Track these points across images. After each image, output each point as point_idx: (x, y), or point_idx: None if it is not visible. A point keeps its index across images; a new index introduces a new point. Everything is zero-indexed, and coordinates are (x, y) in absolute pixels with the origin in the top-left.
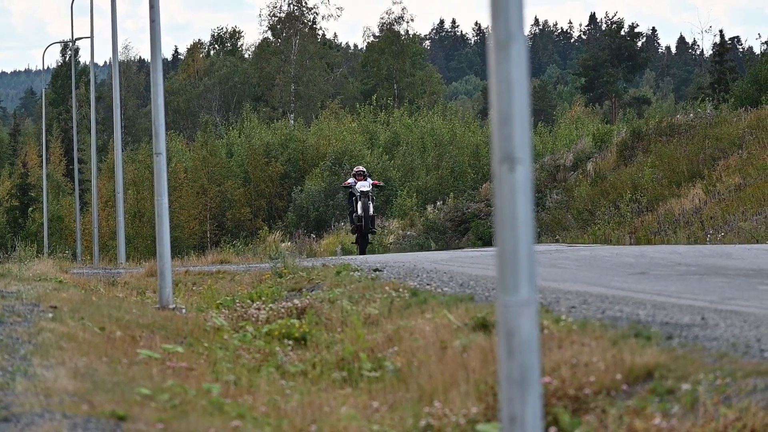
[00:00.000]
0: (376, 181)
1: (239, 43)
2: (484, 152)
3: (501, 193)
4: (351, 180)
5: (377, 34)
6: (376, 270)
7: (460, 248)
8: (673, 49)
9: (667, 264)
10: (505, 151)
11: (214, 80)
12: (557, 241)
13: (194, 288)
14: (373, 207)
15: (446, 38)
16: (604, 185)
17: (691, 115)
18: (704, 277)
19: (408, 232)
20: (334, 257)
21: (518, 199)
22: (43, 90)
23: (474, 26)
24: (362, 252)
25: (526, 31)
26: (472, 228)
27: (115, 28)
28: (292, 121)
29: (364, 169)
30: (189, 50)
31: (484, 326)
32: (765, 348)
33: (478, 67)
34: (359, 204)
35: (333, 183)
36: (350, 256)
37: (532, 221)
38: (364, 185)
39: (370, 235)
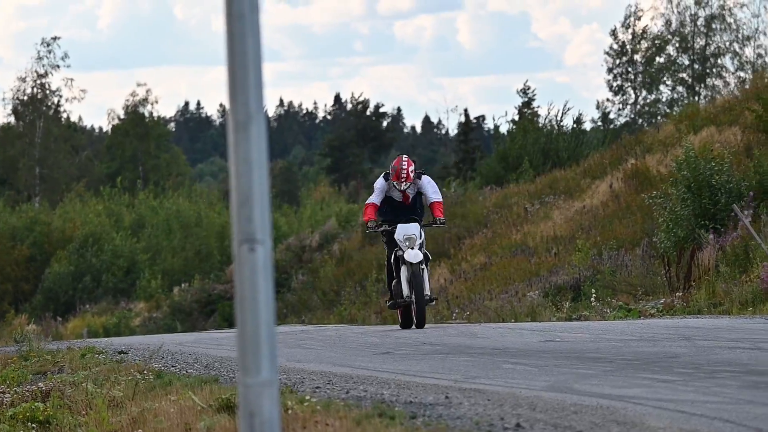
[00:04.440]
0: (439, 209)
1: None
2: (230, 233)
3: (242, 274)
4: (380, 183)
5: (122, 117)
6: (121, 352)
7: (206, 330)
8: (419, 129)
9: (412, 344)
10: (246, 232)
11: None
12: (303, 321)
13: None
14: (428, 274)
15: (191, 120)
16: (349, 265)
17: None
18: (449, 356)
19: (154, 314)
20: (80, 340)
21: (259, 280)
22: None
23: (219, 108)
24: (406, 326)
25: (270, 111)
26: (218, 309)
27: None
28: (37, 204)
29: (413, 174)
30: None
31: (229, 407)
32: (508, 426)
33: (223, 148)
34: (404, 275)
35: (80, 265)
36: (96, 339)
37: (272, 302)
38: (410, 235)
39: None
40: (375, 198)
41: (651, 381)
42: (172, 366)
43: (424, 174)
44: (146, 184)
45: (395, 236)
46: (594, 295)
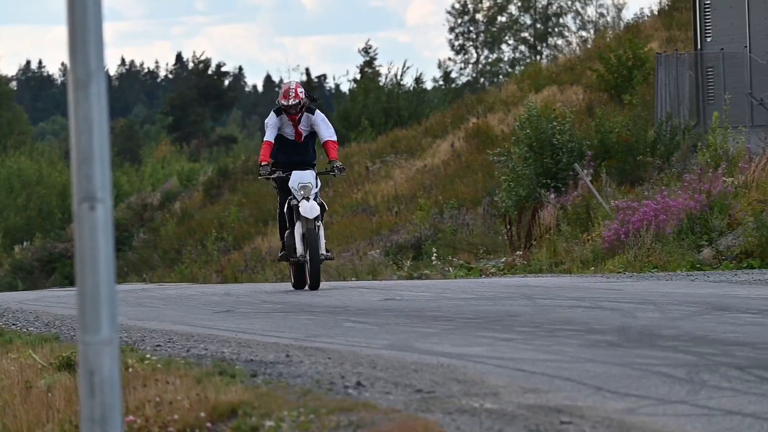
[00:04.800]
0: (334, 149)
1: None
2: (71, 192)
3: (81, 232)
4: (271, 119)
5: None
6: None
7: (47, 288)
8: (260, 88)
9: (253, 302)
10: (86, 190)
11: None
12: (144, 280)
13: None
14: (323, 230)
15: (33, 78)
16: (190, 224)
17: None
18: (290, 314)
19: None
20: None
21: (99, 238)
22: None
23: (60, 67)
24: (299, 286)
25: (112, 71)
26: (59, 268)
27: None
28: None
29: (302, 94)
30: None
31: (69, 365)
32: (349, 384)
33: (64, 107)
34: (298, 231)
35: None
36: None
37: (113, 260)
38: (305, 184)
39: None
40: (269, 135)
41: (492, 339)
42: (13, 324)
43: (317, 109)
44: None
45: (290, 184)
46: (435, 253)
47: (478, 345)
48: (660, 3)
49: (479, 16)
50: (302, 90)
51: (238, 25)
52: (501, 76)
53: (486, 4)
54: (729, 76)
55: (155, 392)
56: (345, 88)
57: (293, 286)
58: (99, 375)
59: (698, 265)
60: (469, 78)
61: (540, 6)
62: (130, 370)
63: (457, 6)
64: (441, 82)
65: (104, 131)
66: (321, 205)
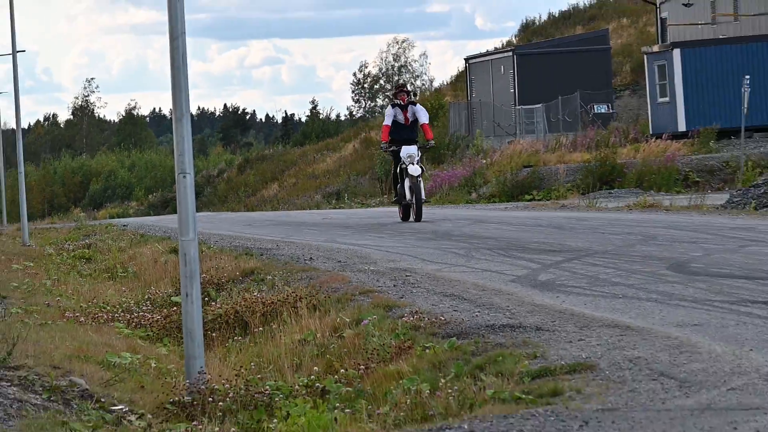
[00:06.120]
0: (429, 129)
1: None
2: (175, 169)
3: (179, 189)
4: (389, 109)
5: (123, 115)
6: (124, 225)
7: (165, 215)
8: (264, 120)
9: (261, 220)
10: (181, 168)
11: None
12: (210, 211)
13: (39, 235)
14: (424, 185)
15: (157, 116)
16: (231, 184)
17: (272, 150)
18: (278, 226)
19: (140, 208)
20: (105, 220)
21: (188, 192)
22: None
23: (169, 110)
24: (405, 219)
25: (193, 111)
26: (171, 205)
27: None
28: (84, 156)
29: (407, 87)
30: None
31: (175, 251)
32: (306, 259)
33: (171, 130)
34: (407, 185)
35: (106, 185)
36: (112, 220)
37: (194, 202)
38: (411, 154)
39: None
40: (388, 120)
41: (373, 237)
42: (148, 231)
43: (417, 103)
44: (136, 146)
45: (401, 154)
46: (346, 197)
47: (367, 240)
48: (451, 77)
49: (366, 86)
50: (407, 88)
51: (252, 90)
52: (376, 114)
53: (369, 80)
54: (484, 113)
55: (215, 263)
56: (303, 119)
57: (402, 220)
58: (188, 255)
59: (470, 201)
60: (362, 114)
61: (396, 80)
62: (203, 252)
63: (355, 81)
64: (349, 116)
65: (189, 141)
66: (422, 168)
